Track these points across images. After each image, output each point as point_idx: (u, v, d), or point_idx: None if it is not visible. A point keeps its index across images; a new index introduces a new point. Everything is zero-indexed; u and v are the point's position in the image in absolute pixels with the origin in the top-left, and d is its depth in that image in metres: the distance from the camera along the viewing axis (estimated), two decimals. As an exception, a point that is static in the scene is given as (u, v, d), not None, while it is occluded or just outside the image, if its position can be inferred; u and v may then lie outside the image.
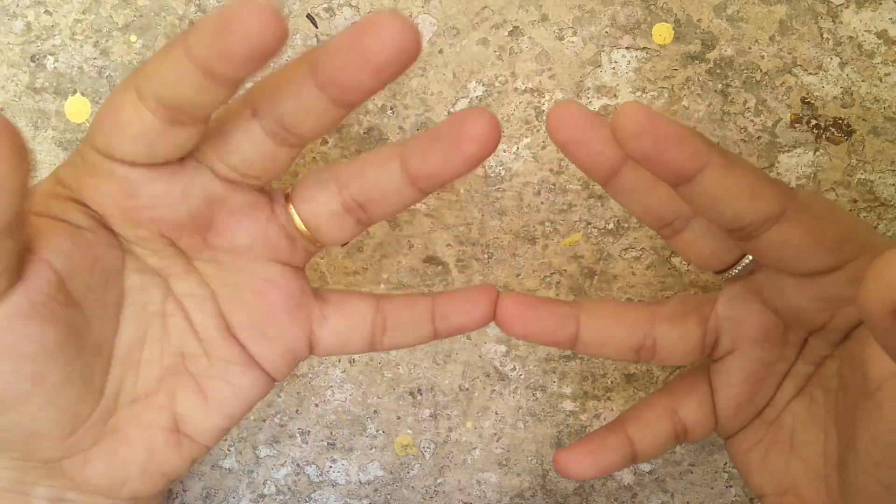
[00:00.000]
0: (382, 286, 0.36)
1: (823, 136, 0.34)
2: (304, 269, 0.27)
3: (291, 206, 0.26)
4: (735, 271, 0.26)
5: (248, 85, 0.23)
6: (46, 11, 0.33)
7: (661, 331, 0.27)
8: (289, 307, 0.27)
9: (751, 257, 0.26)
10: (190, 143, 0.23)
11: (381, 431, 0.37)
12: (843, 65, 0.34)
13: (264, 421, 0.37)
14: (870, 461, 0.23)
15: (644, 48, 0.33)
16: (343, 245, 0.28)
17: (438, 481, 0.38)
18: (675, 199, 0.26)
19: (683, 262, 0.35)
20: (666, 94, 0.34)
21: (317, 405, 0.37)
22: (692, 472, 0.38)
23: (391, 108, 0.34)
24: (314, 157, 0.34)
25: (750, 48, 0.33)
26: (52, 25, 0.33)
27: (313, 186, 0.26)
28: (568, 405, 0.37)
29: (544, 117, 0.34)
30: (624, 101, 0.21)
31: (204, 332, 0.26)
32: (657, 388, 0.32)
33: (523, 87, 0.34)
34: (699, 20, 0.33)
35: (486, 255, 0.35)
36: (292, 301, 0.27)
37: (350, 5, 0.33)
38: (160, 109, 0.21)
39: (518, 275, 0.35)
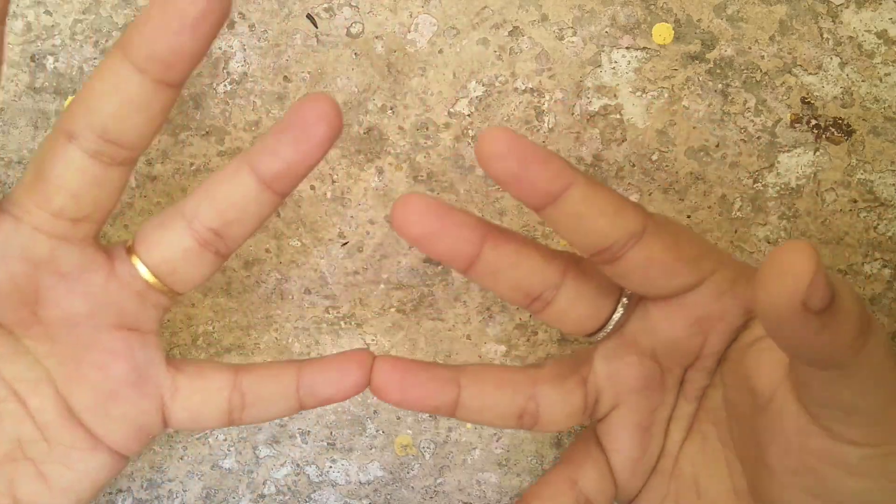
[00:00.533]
0: (382, 286, 0.36)
1: (823, 136, 0.34)
2: (158, 332, 0.25)
3: (135, 258, 0.23)
4: (608, 329, 0.26)
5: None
6: (46, 11, 0.33)
7: (542, 393, 0.26)
8: (136, 381, 0.24)
9: (620, 313, 0.26)
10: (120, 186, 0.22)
11: (380, 431, 0.37)
12: (843, 65, 0.34)
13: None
14: (787, 472, 0.23)
15: (644, 48, 0.33)
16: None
17: (438, 481, 0.38)
18: (540, 270, 0.25)
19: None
20: (666, 94, 0.34)
21: (321, 407, 0.37)
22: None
23: (391, 108, 0.34)
24: (314, 157, 0.34)
25: (750, 48, 0.33)
26: (52, 25, 0.33)
27: (157, 229, 0.24)
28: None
29: (546, 118, 0.34)
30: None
31: (42, 416, 0.24)
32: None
33: (523, 87, 0.34)
34: (699, 20, 0.33)
35: (486, 255, 0.35)
36: (140, 373, 0.24)
37: (350, 5, 0.33)
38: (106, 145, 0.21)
39: (518, 275, 0.35)
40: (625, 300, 0.26)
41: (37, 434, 0.24)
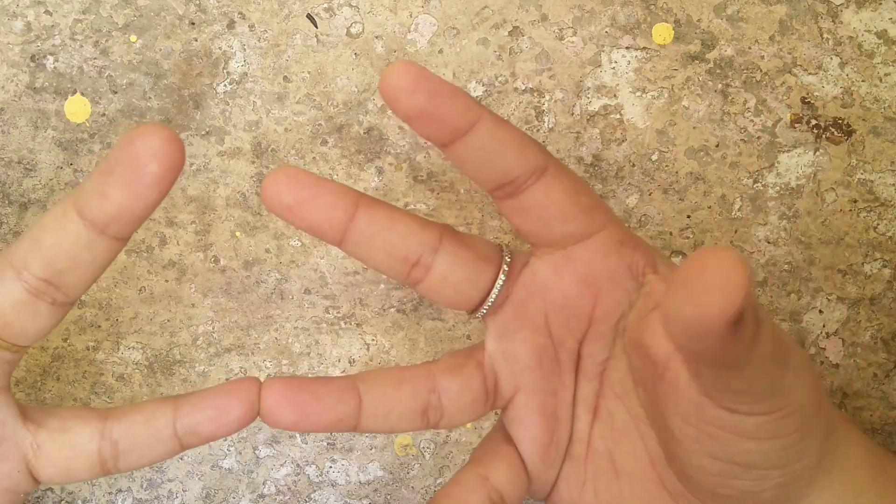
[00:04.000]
0: (382, 286, 0.36)
1: (823, 136, 0.34)
2: (7, 388, 0.24)
3: None
4: (492, 298, 0.26)
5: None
6: (46, 11, 0.33)
7: (442, 386, 0.26)
8: None
9: (502, 280, 0.25)
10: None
11: (381, 431, 0.37)
12: (843, 65, 0.34)
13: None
14: (689, 440, 0.23)
15: (644, 48, 0.33)
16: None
17: (438, 481, 0.38)
18: (416, 232, 0.25)
19: (682, 260, 0.35)
20: (666, 94, 0.34)
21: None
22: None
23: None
24: (314, 157, 0.34)
25: (750, 48, 0.33)
26: (52, 25, 0.33)
27: None
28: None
29: (546, 118, 0.34)
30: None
31: None
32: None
33: (523, 87, 0.34)
34: (699, 20, 0.33)
35: (486, 255, 0.35)
36: None
37: (350, 5, 0.33)
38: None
39: (518, 275, 0.35)
40: (505, 266, 0.26)
41: None
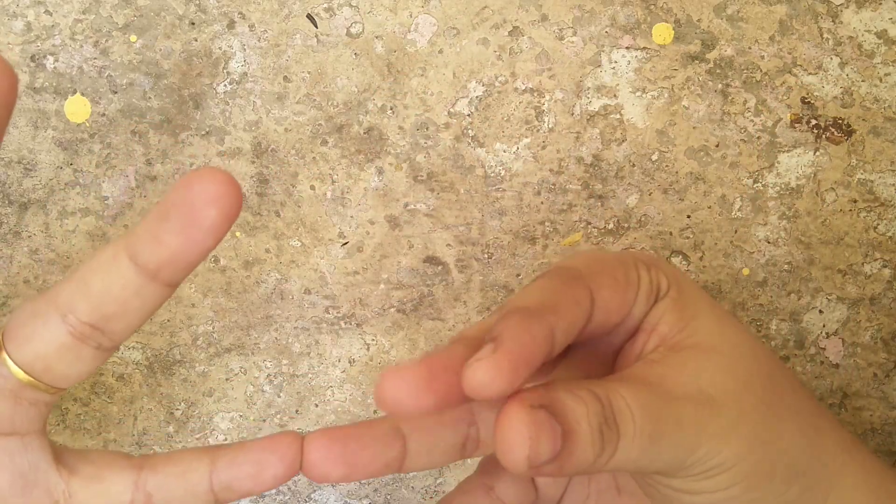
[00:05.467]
0: (382, 286, 0.36)
1: (823, 136, 0.34)
2: (43, 431, 0.23)
3: (5, 354, 0.21)
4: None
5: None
6: (46, 11, 0.33)
7: (482, 416, 0.25)
8: (21, 489, 0.22)
9: None
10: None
11: (381, 431, 0.37)
12: (843, 65, 0.34)
13: (264, 421, 0.37)
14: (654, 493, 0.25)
15: (644, 48, 0.33)
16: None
17: (438, 481, 0.38)
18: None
19: (683, 262, 0.35)
20: (666, 94, 0.34)
21: (317, 405, 0.37)
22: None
23: (391, 108, 0.34)
24: (314, 157, 0.34)
25: (750, 48, 0.33)
26: (52, 25, 0.33)
27: (29, 322, 0.21)
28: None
29: (546, 118, 0.34)
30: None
31: None
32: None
33: (523, 87, 0.34)
34: (699, 20, 0.33)
35: (486, 255, 0.35)
36: (24, 482, 0.22)
37: (350, 5, 0.33)
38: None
39: (518, 275, 0.35)
40: None
41: None
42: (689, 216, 0.35)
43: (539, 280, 0.24)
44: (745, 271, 0.35)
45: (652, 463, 0.22)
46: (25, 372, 0.21)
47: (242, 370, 0.36)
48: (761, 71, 0.34)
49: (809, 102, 0.34)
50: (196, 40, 0.33)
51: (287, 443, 0.23)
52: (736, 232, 0.35)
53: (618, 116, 0.34)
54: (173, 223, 0.19)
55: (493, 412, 0.25)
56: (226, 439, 0.37)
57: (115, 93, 0.33)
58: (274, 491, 0.38)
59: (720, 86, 0.34)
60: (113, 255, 0.20)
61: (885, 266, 0.36)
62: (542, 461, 0.19)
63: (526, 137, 0.34)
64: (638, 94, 0.34)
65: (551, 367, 0.26)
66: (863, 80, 0.34)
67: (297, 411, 0.37)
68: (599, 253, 0.26)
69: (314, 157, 0.34)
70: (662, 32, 0.33)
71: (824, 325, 0.36)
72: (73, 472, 0.23)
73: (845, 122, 0.34)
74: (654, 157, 0.34)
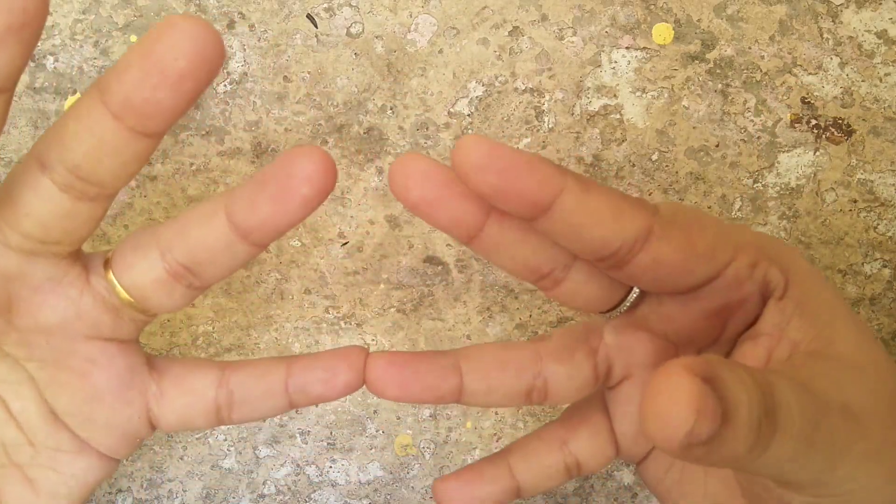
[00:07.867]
0: (382, 286, 0.36)
1: (823, 136, 0.34)
2: (137, 340, 0.25)
3: (111, 274, 0.23)
4: (622, 309, 0.25)
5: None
6: (46, 11, 0.33)
7: (549, 370, 0.25)
8: (117, 388, 0.24)
9: (636, 292, 0.25)
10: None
11: (380, 431, 0.37)
12: (843, 65, 0.34)
13: (264, 421, 0.37)
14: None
15: (644, 48, 0.33)
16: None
17: (438, 481, 0.38)
18: (548, 248, 0.23)
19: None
20: (666, 94, 0.34)
21: (317, 405, 0.37)
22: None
23: (391, 108, 0.34)
24: (314, 157, 0.34)
25: (750, 48, 0.33)
26: (52, 25, 0.33)
27: (133, 252, 0.23)
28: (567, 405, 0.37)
29: (546, 118, 0.34)
30: (466, 137, 0.20)
31: (25, 419, 0.23)
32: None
33: (523, 87, 0.34)
34: (699, 20, 0.33)
35: (486, 255, 0.35)
36: (121, 381, 0.24)
37: (350, 5, 0.33)
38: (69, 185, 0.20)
39: (518, 275, 0.36)
40: (636, 290, 0.25)
41: (21, 437, 0.24)
42: (689, 216, 0.35)
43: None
44: (745, 271, 0.35)
45: (796, 472, 0.20)
46: (127, 294, 0.23)
47: (242, 370, 0.36)
48: (761, 71, 0.34)
49: (809, 102, 0.34)
50: (196, 40, 0.33)
51: (356, 354, 0.25)
52: (736, 232, 0.35)
53: (618, 116, 0.34)
54: (269, 192, 0.21)
55: (561, 366, 0.25)
56: (225, 439, 0.37)
57: (115, 93, 0.33)
58: (274, 490, 0.38)
59: (720, 86, 0.34)
60: (213, 209, 0.22)
61: (885, 266, 0.36)
62: (699, 442, 0.17)
63: (526, 137, 0.34)
64: (638, 94, 0.34)
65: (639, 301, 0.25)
66: (863, 80, 0.34)
67: (297, 411, 0.37)
68: (704, 215, 0.24)
69: (314, 157, 0.34)
70: (662, 32, 0.33)
71: (824, 325, 0.36)
72: (163, 374, 0.25)
73: (845, 122, 0.34)
74: (654, 157, 0.34)
